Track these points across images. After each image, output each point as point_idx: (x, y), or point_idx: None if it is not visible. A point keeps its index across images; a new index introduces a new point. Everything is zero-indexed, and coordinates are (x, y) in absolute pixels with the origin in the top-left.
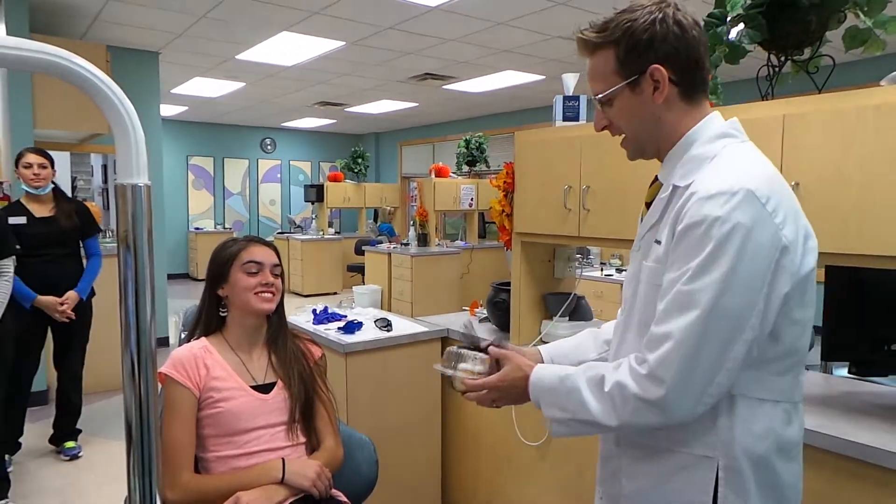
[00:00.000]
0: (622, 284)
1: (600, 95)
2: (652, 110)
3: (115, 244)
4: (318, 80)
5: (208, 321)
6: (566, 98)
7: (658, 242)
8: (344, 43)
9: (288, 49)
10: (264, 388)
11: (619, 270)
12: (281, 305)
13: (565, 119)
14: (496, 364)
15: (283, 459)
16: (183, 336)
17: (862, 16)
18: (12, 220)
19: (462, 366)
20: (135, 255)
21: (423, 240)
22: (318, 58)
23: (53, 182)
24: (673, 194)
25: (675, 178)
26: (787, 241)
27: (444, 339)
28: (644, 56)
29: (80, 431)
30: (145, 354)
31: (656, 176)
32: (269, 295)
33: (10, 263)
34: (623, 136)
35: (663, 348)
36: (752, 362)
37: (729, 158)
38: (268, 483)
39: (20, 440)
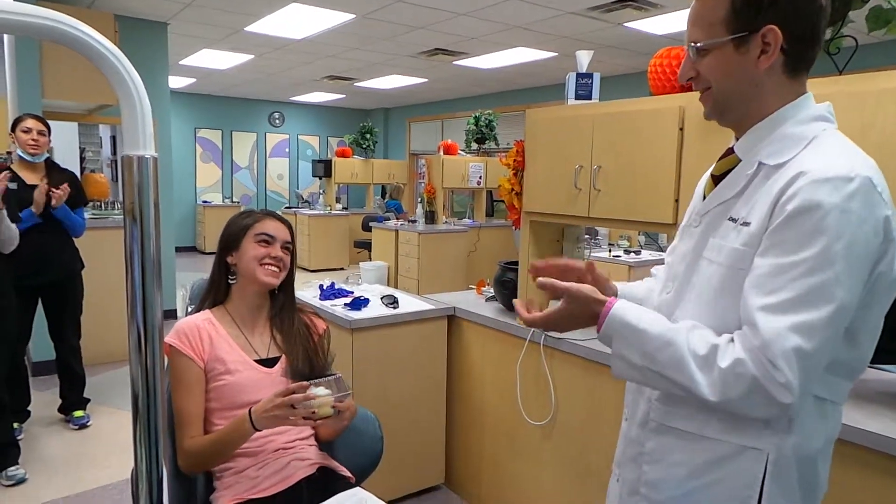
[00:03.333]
0: (630, 267)
1: (698, 44)
2: (751, 75)
3: (123, 216)
4: (327, 53)
5: (216, 289)
6: (579, 75)
7: (734, 220)
8: (354, 16)
9: (297, 21)
10: (268, 363)
11: (626, 252)
12: (290, 283)
13: (578, 97)
14: (340, 382)
15: (249, 409)
16: (190, 310)
17: None
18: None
19: (320, 391)
20: (141, 227)
21: (430, 217)
22: (327, 31)
23: (48, 151)
24: (759, 171)
25: (761, 154)
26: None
27: (451, 318)
28: (763, 13)
29: (88, 401)
30: (151, 326)
31: (730, 148)
32: (275, 269)
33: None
34: (705, 91)
35: (793, 340)
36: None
37: (833, 142)
38: (244, 436)
39: (28, 408)
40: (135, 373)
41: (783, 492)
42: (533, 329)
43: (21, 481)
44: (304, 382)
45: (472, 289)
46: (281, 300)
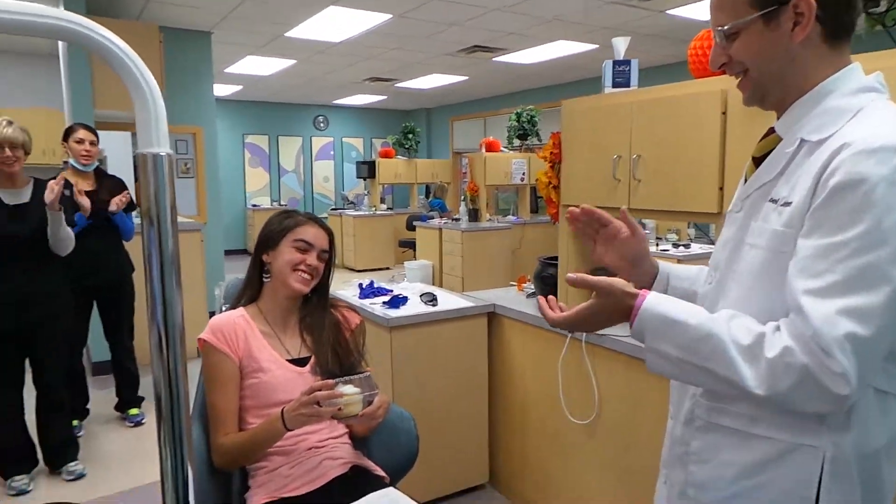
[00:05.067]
0: (679, 260)
1: (725, 28)
2: (786, 49)
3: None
4: (367, 55)
5: (251, 286)
6: (616, 63)
7: (775, 202)
8: (391, 16)
9: (336, 24)
10: (299, 362)
11: (675, 245)
12: (324, 287)
13: (615, 85)
14: (370, 380)
15: (282, 409)
16: (225, 308)
17: None
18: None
19: (347, 389)
20: (158, 228)
21: (473, 215)
22: (365, 32)
23: (99, 160)
24: (800, 149)
25: (803, 131)
26: None
27: (491, 315)
28: None
29: (142, 399)
30: (172, 327)
31: (771, 128)
32: (307, 277)
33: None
34: (741, 76)
35: (846, 325)
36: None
37: (882, 112)
38: (276, 435)
39: (87, 407)
40: (157, 374)
41: (843, 493)
42: None
43: (80, 476)
44: (330, 381)
45: (513, 286)
46: (313, 303)
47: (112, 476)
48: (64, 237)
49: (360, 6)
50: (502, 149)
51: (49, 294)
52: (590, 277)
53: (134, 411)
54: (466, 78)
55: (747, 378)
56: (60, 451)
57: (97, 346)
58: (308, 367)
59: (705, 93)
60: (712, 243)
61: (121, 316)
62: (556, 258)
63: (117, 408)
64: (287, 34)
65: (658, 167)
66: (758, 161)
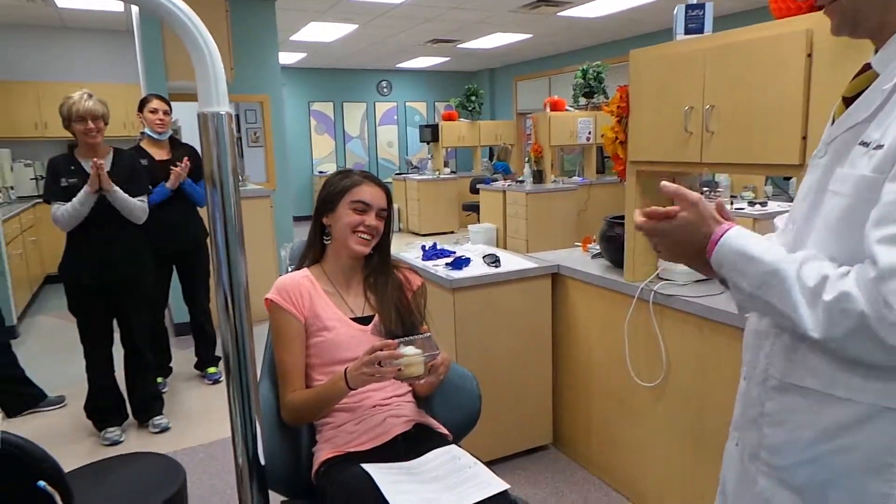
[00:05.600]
0: (755, 220)
1: None
2: None
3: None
4: (428, 16)
5: (313, 248)
6: (689, 7)
7: (865, 145)
8: None
9: None
10: (363, 321)
11: (751, 203)
12: (385, 245)
13: (687, 31)
14: (430, 341)
15: (346, 368)
16: (290, 269)
17: None
18: (141, 162)
19: (407, 350)
20: (220, 189)
21: (538, 177)
22: None
23: (172, 129)
24: None
25: None
26: None
27: (555, 276)
28: None
29: (219, 359)
30: (237, 288)
31: (866, 64)
32: (367, 237)
33: (145, 199)
34: (828, 2)
35: None
36: None
37: None
38: (340, 394)
39: (170, 365)
40: (224, 333)
41: None
42: (641, 286)
43: (165, 429)
44: (392, 341)
45: (578, 246)
46: (375, 261)
47: (193, 430)
48: (129, 209)
49: None
50: (567, 108)
51: (129, 258)
52: (684, 189)
53: (212, 370)
54: (530, 36)
55: (805, 319)
56: (147, 406)
57: (178, 309)
58: (371, 325)
59: (789, 34)
60: (791, 200)
61: (197, 280)
62: (622, 217)
63: (197, 367)
64: None
65: (733, 118)
66: (848, 102)
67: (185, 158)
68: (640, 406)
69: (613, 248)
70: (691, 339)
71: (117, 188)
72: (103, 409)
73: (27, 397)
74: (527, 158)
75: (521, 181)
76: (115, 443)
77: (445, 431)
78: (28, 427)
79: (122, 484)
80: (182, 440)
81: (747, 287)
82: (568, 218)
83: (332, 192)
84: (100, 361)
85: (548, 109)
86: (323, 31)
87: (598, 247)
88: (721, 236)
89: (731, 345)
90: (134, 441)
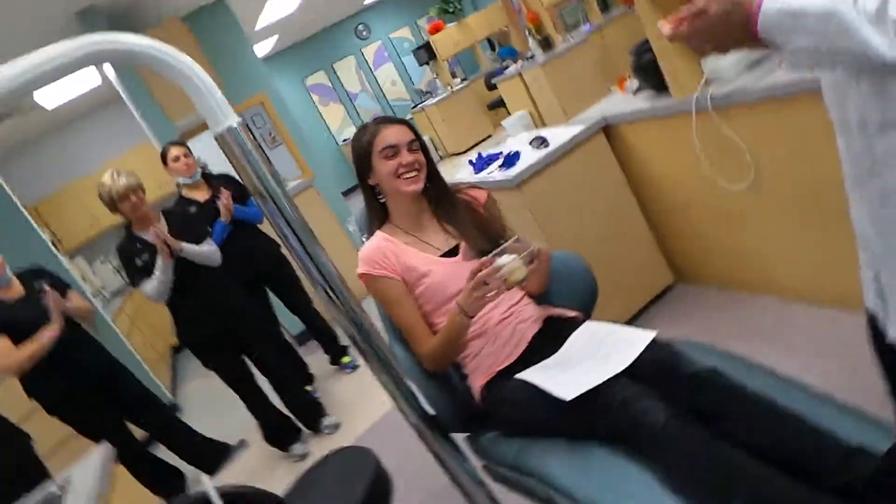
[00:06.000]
0: None
1: None
2: None
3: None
4: None
5: (374, 211)
6: None
7: None
8: None
9: None
10: (451, 253)
11: None
12: (435, 173)
13: None
14: (520, 241)
15: (456, 302)
16: (364, 239)
17: None
18: (191, 210)
19: (503, 260)
20: (269, 195)
21: (546, 44)
22: None
23: (200, 167)
24: None
25: None
26: None
27: (606, 129)
28: None
29: (347, 346)
30: (329, 276)
31: None
32: (413, 174)
33: (211, 242)
34: None
35: None
36: None
37: None
38: (464, 326)
39: (310, 372)
40: (341, 322)
41: None
42: (695, 96)
43: (337, 426)
44: (485, 258)
45: (614, 90)
46: (434, 192)
47: (359, 417)
48: (203, 257)
49: None
50: None
51: (226, 297)
52: None
53: (346, 359)
54: None
55: (876, 43)
56: (311, 414)
57: (290, 322)
58: (461, 254)
59: None
60: None
61: (292, 290)
62: (647, 42)
63: (332, 362)
64: None
65: None
66: None
67: (226, 193)
68: (740, 212)
69: (651, 74)
70: (768, 125)
71: (184, 244)
72: (279, 432)
73: (217, 453)
74: (527, 32)
75: (532, 56)
76: (304, 455)
77: (575, 313)
78: (230, 475)
79: (328, 486)
80: (355, 429)
81: (809, 43)
82: (592, 69)
83: (361, 154)
84: (254, 395)
85: None
86: (282, 4)
87: (635, 82)
88: (760, 7)
89: (811, 113)
90: (316, 448)
